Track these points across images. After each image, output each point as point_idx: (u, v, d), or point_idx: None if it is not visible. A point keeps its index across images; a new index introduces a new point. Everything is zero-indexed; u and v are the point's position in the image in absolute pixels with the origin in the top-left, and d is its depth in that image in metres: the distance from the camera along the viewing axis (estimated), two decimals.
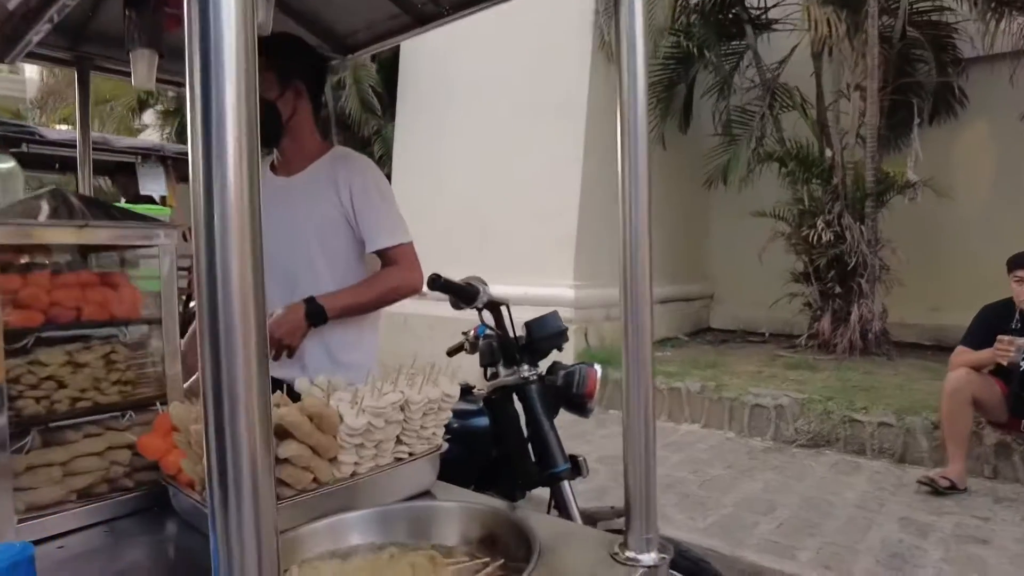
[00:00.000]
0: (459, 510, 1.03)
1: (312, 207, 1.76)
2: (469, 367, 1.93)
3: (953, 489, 3.40)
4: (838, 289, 5.45)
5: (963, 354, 3.56)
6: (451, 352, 2.08)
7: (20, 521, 1.00)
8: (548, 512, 1.72)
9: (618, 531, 1.29)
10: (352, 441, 1.04)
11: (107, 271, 1.21)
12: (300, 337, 1.66)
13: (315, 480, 1.03)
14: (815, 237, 5.36)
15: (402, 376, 1.16)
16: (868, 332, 5.31)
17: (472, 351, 2.01)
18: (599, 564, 0.95)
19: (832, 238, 5.32)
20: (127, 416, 1.14)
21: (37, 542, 1.02)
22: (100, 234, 1.10)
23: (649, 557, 0.95)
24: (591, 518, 1.62)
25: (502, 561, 0.96)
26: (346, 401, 1.06)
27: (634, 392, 0.96)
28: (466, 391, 1.81)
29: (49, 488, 1.05)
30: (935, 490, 3.41)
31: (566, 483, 1.58)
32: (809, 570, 2.70)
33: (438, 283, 1.49)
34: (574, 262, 5.54)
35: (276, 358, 1.63)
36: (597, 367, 1.69)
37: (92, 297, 1.13)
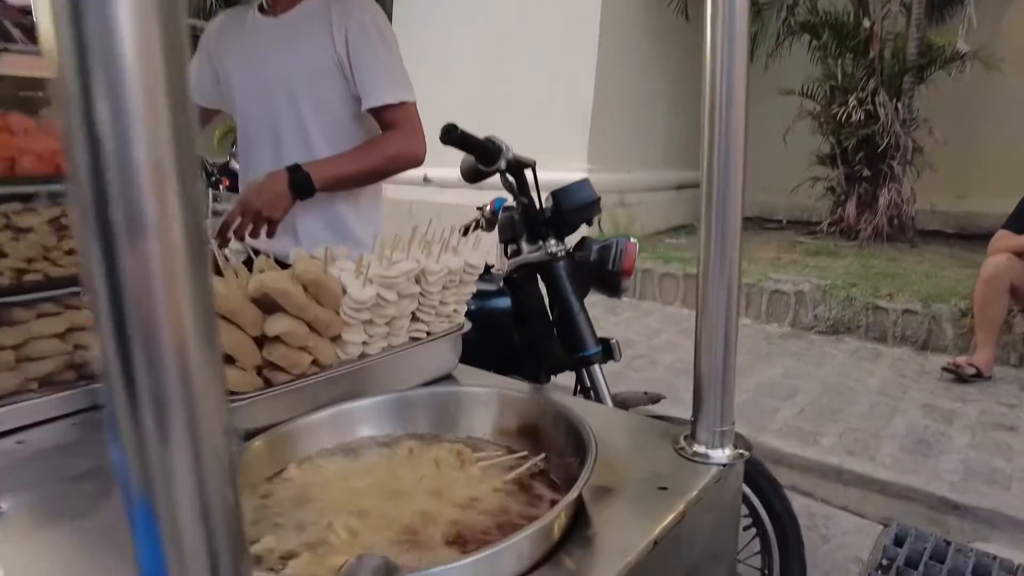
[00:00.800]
0: (490, 396, 0.86)
1: (300, 52, 1.49)
2: (486, 246, 1.73)
3: (978, 376, 3.30)
4: (866, 172, 5.16)
5: (1005, 239, 3.34)
6: (465, 231, 1.88)
7: None
8: (575, 395, 1.58)
9: (669, 419, 1.13)
10: (358, 316, 0.85)
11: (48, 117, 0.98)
12: (283, 211, 1.43)
13: (315, 363, 0.86)
14: (845, 116, 5.00)
15: (415, 244, 0.96)
16: (895, 218, 5.07)
17: (488, 228, 1.80)
18: (662, 460, 0.79)
19: (864, 117, 4.96)
20: None
21: None
22: (29, 63, 0.86)
23: (722, 454, 0.79)
24: (623, 404, 1.48)
25: (543, 456, 0.80)
26: (349, 270, 0.86)
27: (716, 262, 0.76)
28: (484, 270, 1.62)
29: (0, 375, 0.88)
30: (960, 377, 3.31)
31: (597, 367, 1.43)
32: (832, 456, 2.63)
33: (453, 135, 1.26)
34: (588, 145, 5.21)
35: (255, 235, 1.42)
36: (635, 240, 1.49)
37: (30, 146, 0.91)
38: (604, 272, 1.45)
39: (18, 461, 0.86)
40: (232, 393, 0.78)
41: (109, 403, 0.25)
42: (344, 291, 0.85)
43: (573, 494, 0.61)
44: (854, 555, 2.21)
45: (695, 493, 0.72)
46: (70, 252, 0.95)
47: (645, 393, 1.49)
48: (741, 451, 0.80)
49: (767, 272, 4.38)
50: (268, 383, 0.82)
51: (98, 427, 0.94)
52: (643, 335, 3.83)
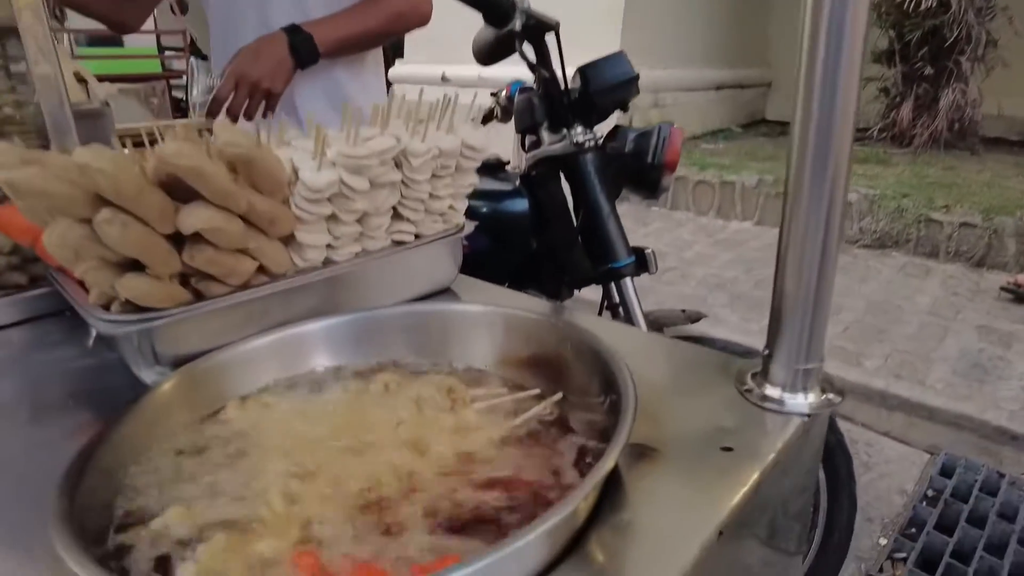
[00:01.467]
0: (493, 317, 0.66)
1: None
2: (502, 138, 1.48)
3: None
4: (928, 70, 4.65)
5: None
6: (482, 120, 1.63)
7: None
8: (600, 313, 1.37)
9: (718, 345, 0.92)
10: (316, 210, 0.64)
11: None
12: (284, 81, 1.19)
13: (263, 272, 0.65)
14: (913, 5, 4.47)
15: (396, 118, 0.73)
16: (956, 122, 4.62)
17: (505, 118, 1.54)
18: (722, 408, 0.58)
19: (933, 5, 4.42)
20: None
21: None
22: None
23: (804, 400, 0.58)
24: (657, 324, 1.27)
25: (560, 395, 0.60)
26: (305, 155, 0.64)
27: (814, 164, 0.53)
28: (497, 167, 1.38)
29: None
30: (1020, 297, 3.04)
31: (629, 280, 1.21)
32: (877, 379, 2.43)
33: None
34: (620, 37, 4.76)
35: (251, 112, 1.18)
36: (679, 126, 1.23)
37: None
38: (641, 167, 1.20)
39: None
40: (145, 310, 0.58)
41: None
42: (295, 177, 0.63)
43: (605, 466, 0.41)
44: (898, 485, 2.05)
45: (772, 456, 0.52)
46: None
47: (683, 311, 1.28)
48: (830, 396, 0.59)
49: None
50: (198, 296, 0.61)
51: (16, 349, 0.76)
52: (674, 247, 3.58)
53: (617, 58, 1.24)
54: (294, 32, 1.18)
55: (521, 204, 1.31)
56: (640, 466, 0.50)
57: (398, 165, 0.70)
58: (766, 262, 3.52)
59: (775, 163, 4.40)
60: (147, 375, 0.61)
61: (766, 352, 0.60)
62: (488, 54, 1.30)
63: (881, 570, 1.69)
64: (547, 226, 1.29)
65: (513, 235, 1.31)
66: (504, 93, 1.53)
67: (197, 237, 0.57)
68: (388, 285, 0.75)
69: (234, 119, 1.16)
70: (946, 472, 2.08)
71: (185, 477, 0.51)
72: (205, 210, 0.54)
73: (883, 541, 1.80)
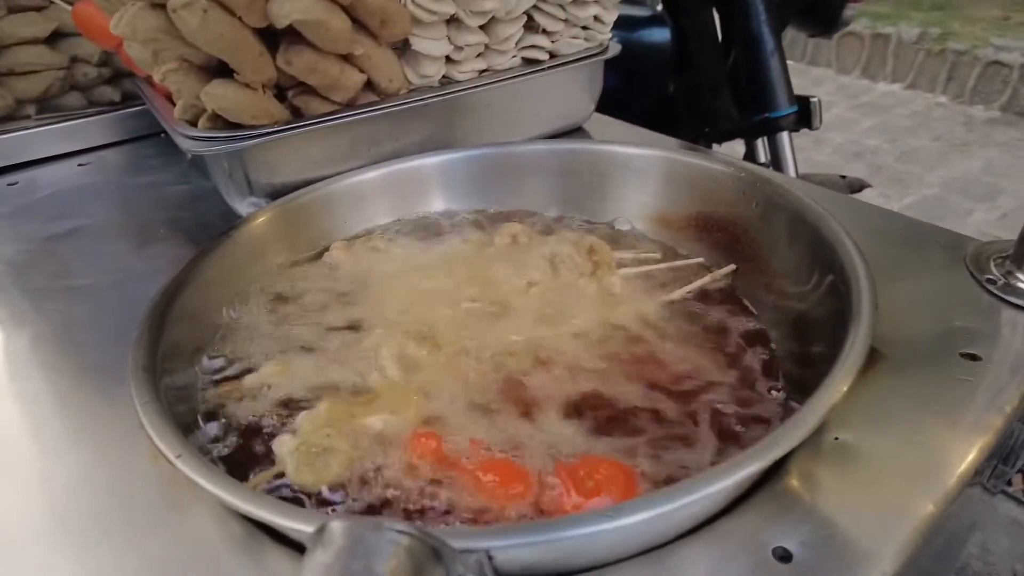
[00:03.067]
0: (653, 161, 0.52)
1: None
2: None
3: None
4: None
5: None
6: None
7: None
8: None
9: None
10: (436, 7, 0.50)
11: None
12: None
13: (371, 88, 0.53)
14: None
15: None
16: None
17: None
18: (958, 300, 0.43)
19: None
20: None
21: None
22: None
23: None
24: None
25: (734, 267, 0.47)
26: None
27: None
28: None
29: None
30: None
31: (786, 135, 1.02)
32: None
33: None
34: None
35: None
36: None
37: None
38: None
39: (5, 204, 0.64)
40: (236, 126, 0.48)
41: None
42: None
43: (837, 383, 0.29)
44: None
45: None
46: None
47: (843, 177, 1.08)
48: None
49: (987, 36, 3.41)
50: (297, 114, 0.51)
51: (111, 172, 0.70)
52: None
53: None
54: None
55: (661, 34, 1.11)
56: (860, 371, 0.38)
57: None
58: (914, 132, 3.08)
59: (944, 14, 3.73)
60: (240, 206, 0.52)
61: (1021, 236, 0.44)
62: None
63: None
64: (691, 63, 1.09)
65: (648, 71, 1.12)
66: None
67: (295, 37, 0.45)
68: (515, 114, 0.62)
69: None
70: None
71: (282, 327, 0.43)
72: None
73: None
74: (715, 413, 0.36)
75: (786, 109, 0.99)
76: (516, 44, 0.58)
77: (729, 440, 0.34)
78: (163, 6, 0.42)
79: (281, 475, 0.31)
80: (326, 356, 0.40)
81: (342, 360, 0.39)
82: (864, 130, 3.05)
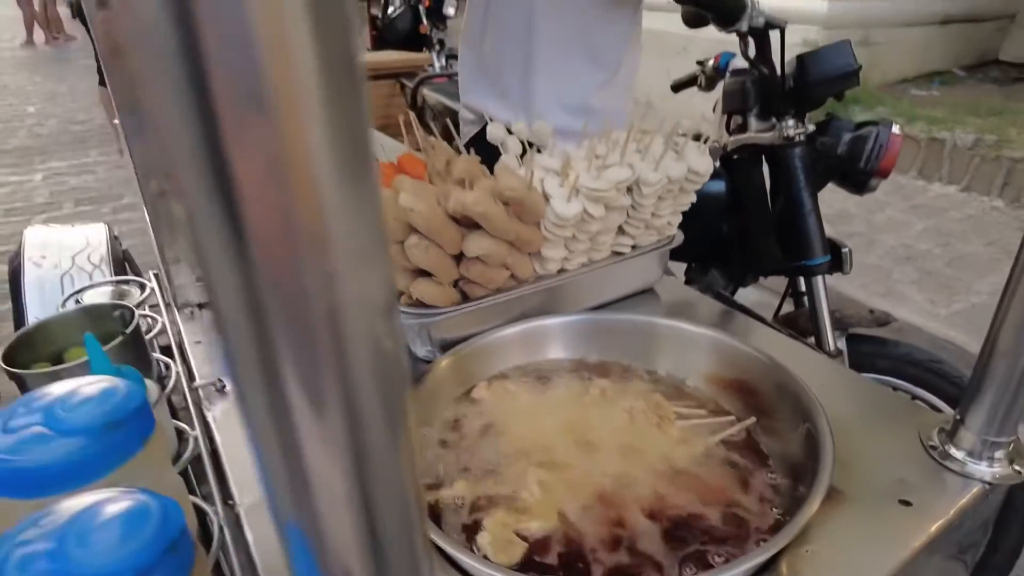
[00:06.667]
0: (702, 339, 0.75)
1: None
2: (695, 106, 1.50)
3: None
4: None
5: None
6: (677, 87, 1.65)
7: (199, 279, 0.90)
8: (780, 305, 1.41)
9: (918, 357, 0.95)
10: (561, 234, 0.76)
11: None
12: None
13: (512, 277, 0.79)
14: None
15: (631, 140, 0.81)
16: None
17: (708, 87, 1.55)
18: (905, 459, 0.65)
19: None
20: None
21: None
22: None
23: (988, 470, 0.63)
24: (841, 323, 1.29)
25: (754, 420, 0.69)
26: (555, 182, 0.76)
27: None
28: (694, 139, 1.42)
29: None
30: None
31: (820, 279, 1.23)
32: None
33: None
34: None
35: None
36: (897, 128, 1.20)
37: None
38: (852, 168, 1.19)
39: None
40: (428, 307, 0.74)
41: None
42: (547, 199, 0.75)
43: (811, 509, 0.52)
44: None
45: (949, 515, 0.59)
46: None
47: (871, 312, 1.28)
48: (1017, 469, 0.63)
49: None
50: (464, 297, 0.77)
51: None
52: (863, 207, 3.34)
53: (840, 47, 1.21)
54: None
55: (718, 185, 1.35)
56: (825, 504, 0.60)
57: (629, 190, 0.80)
58: (967, 237, 3.20)
59: (1000, 120, 3.86)
60: (419, 351, 0.78)
61: (957, 415, 0.65)
62: (698, 23, 1.30)
63: None
64: (742, 210, 1.33)
65: (706, 215, 1.36)
66: (712, 63, 1.53)
67: (474, 257, 0.71)
68: (606, 287, 0.87)
69: None
70: None
71: (456, 450, 0.67)
72: (485, 239, 0.68)
73: None
74: (737, 519, 0.58)
75: (820, 259, 1.21)
76: (609, 245, 0.83)
77: (744, 537, 0.56)
78: (400, 242, 0.69)
79: (485, 556, 0.54)
80: (491, 477, 0.63)
81: (499, 479, 0.63)
82: (916, 233, 3.19)
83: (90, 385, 0.47)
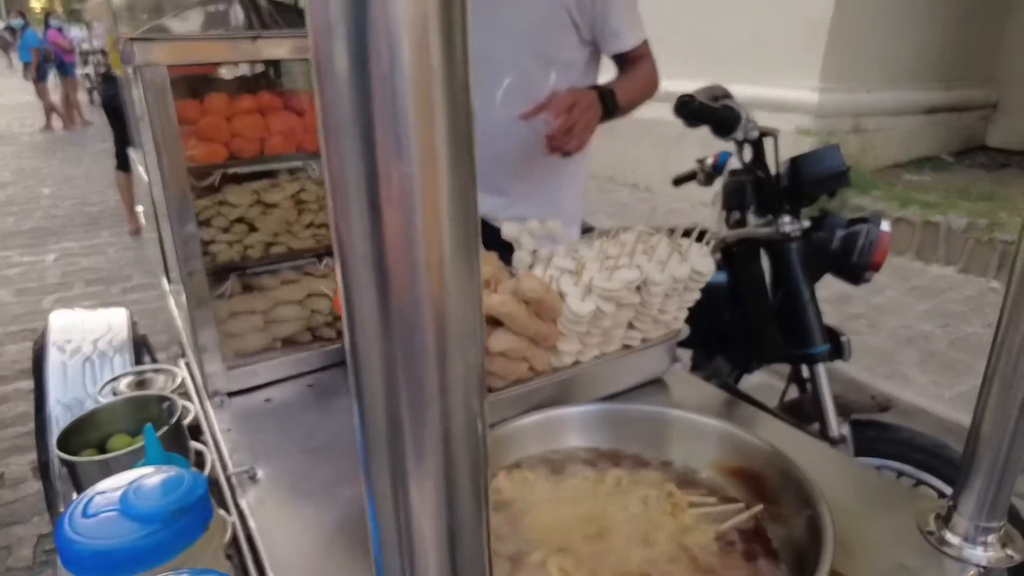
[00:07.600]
0: (711, 429, 0.80)
1: (528, 6, 1.40)
2: (692, 194, 1.59)
3: None
4: None
5: None
6: (678, 181, 1.75)
7: (229, 369, 0.96)
8: (785, 390, 1.45)
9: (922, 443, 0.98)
10: (576, 329, 0.82)
11: (291, 90, 1.02)
12: (592, 130, 1.23)
13: (530, 369, 0.85)
14: None
15: (639, 242, 0.89)
16: None
17: (707, 182, 1.65)
18: (903, 543, 0.68)
19: None
20: (324, 262, 1.02)
21: (245, 391, 0.98)
22: (279, 48, 0.89)
23: (982, 554, 0.66)
24: (844, 409, 1.33)
25: (761, 507, 0.73)
26: (570, 281, 0.83)
27: None
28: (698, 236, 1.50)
29: (253, 335, 0.99)
30: None
31: (821, 366, 1.28)
32: None
33: (690, 108, 1.13)
34: (823, 57, 4.54)
35: (563, 150, 1.21)
36: (886, 225, 1.28)
37: (276, 126, 0.96)
38: (845, 262, 1.27)
39: (265, 414, 0.97)
40: None
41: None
42: (563, 297, 0.81)
43: None
44: None
45: None
46: (309, 226, 1.02)
47: (872, 397, 1.32)
48: (1011, 554, 0.67)
49: None
50: (488, 390, 0.82)
51: (327, 390, 1.03)
52: (864, 290, 3.40)
53: (830, 151, 1.31)
54: (599, 88, 1.29)
55: (719, 277, 1.42)
56: None
57: (638, 289, 0.86)
58: (967, 318, 3.25)
59: (991, 204, 4.00)
60: None
61: (950, 501, 0.69)
62: (694, 122, 1.40)
63: None
64: (743, 300, 1.39)
65: (709, 305, 1.43)
66: (710, 161, 1.63)
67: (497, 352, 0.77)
68: (617, 378, 0.92)
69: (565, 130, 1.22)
70: None
71: None
72: (507, 336, 0.74)
73: None
74: None
75: (820, 347, 1.27)
76: (619, 338, 0.89)
77: None
78: None
79: None
80: (513, 565, 0.67)
81: (521, 567, 0.66)
82: (917, 314, 3.24)
83: (157, 475, 0.53)
